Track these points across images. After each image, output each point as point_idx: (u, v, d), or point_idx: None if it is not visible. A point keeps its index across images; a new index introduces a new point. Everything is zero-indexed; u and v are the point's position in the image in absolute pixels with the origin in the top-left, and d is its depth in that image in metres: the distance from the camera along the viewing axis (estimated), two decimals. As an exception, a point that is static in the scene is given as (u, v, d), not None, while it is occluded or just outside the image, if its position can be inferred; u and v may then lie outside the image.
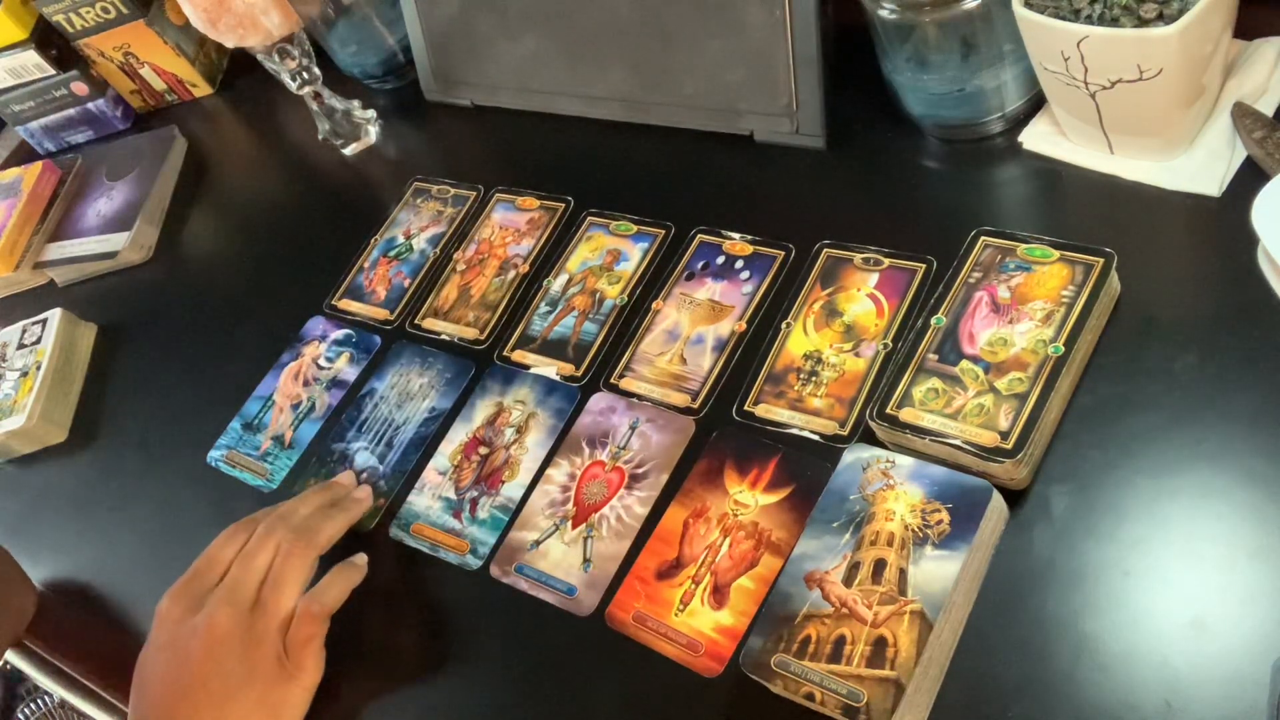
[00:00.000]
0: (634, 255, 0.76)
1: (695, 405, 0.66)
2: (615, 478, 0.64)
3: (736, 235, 0.73)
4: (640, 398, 0.67)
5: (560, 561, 0.62)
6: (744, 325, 0.68)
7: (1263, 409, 0.52)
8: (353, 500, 0.68)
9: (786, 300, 0.68)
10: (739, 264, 0.71)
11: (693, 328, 0.70)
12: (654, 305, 0.72)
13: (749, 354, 0.67)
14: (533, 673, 0.60)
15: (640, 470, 0.64)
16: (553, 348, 0.73)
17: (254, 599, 0.59)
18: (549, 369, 0.72)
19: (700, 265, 0.72)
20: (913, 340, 0.59)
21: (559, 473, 0.66)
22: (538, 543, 0.64)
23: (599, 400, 0.68)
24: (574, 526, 0.63)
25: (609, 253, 0.77)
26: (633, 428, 0.66)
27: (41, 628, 0.74)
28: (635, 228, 0.77)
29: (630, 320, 0.72)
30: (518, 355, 0.74)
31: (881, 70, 0.69)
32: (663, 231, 0.76)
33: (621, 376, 0.69)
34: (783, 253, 0.71)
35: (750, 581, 0.57)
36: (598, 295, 0.74)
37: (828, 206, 0.72)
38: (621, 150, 0.84)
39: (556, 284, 0.76)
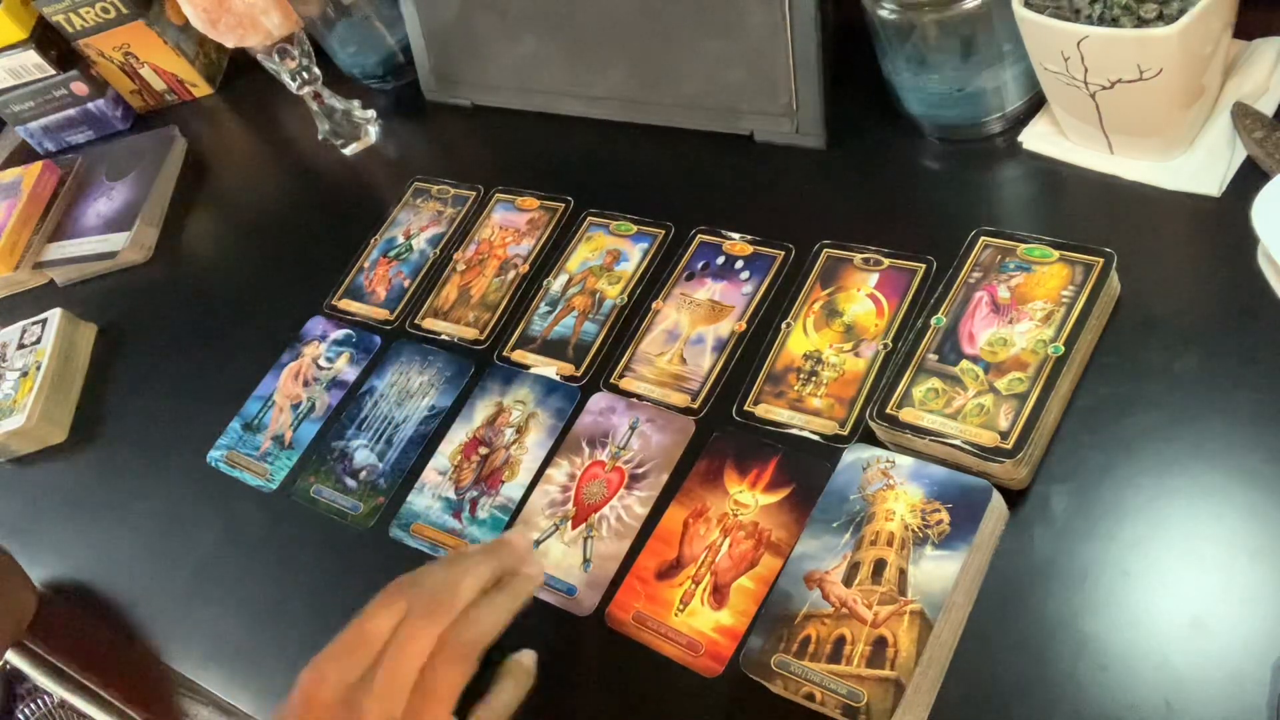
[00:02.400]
0: (634, 255, 0.76)
1: (695, 405, 0.66)
2: (615, 478, 0.64)
3: (736, 235, 0.73)
4: (640, 398, 0.67)
5: (560, 561, 0.62)
6: (744, 325, 0.68)
7: (1263, 409, 0.52)
8: (523, 579, 0.57)
9: (786, 300, 0.68)
10: (739, 264, 0.71)
11: (693, 328, 0.70)
12: (654, 305, 0.72)
13: (749, 354, 0.67)
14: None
15: (640, 470, 0.64)
16: (553, 348, 0.73)
17: (405, 703, 0.51)
18: (549, 369, 0.72)
19: (700, 265, 0.72)
20: (913, 340, 0.59)
21: (559, 473, 0.66)
22: (538, 543, 0.64)
23: (599, 400, 0.68)
24: (574, 526, 0.63)
25: (609, 253, 0.77)
26: (633, 428, 0.66)
27: (41, 628, 0.74)
28: (635, 228, 0.77)
29: (630, 320, 0.72)
30: (518, 355, 0.74)
31: (881, 70, 0.69)
32: (662, 232, 0.76)
33: (622, 376, 0.69)
34: (783, 253, 0.71)
35: (750, 581, 0.57)
36: (598, 295, 0.74)
37: (828, 206, 0.72)
38: (621, 150, 0.84)
39: (556, 284, 0.76)
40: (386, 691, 0.51)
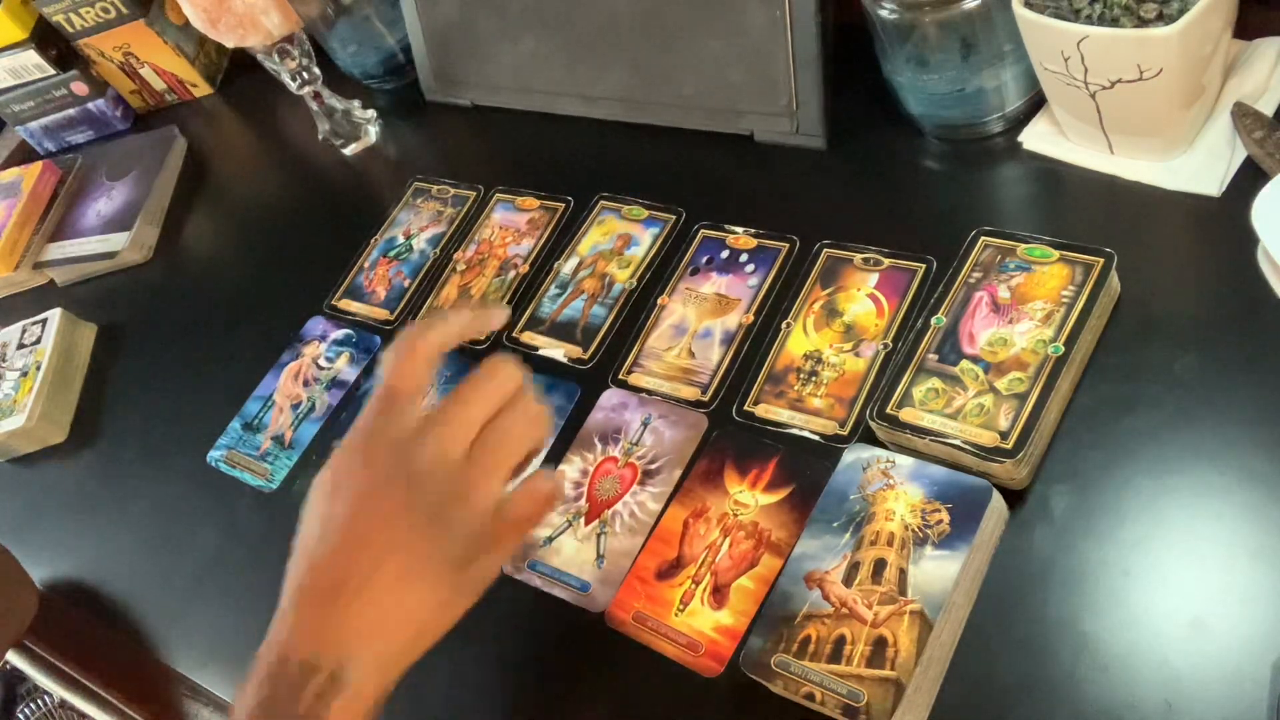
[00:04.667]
0: (644, 240, 0.76)
1: (706, 399, 0.66)
2: (628, 474, 0.64)
3: (740, 229, 0.73)
4: (650, 393, 0.67)
5: (574, 558, 0.62)
6: (751, 317, 0.68)
7: (1263, 409, 0.52)
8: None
9: (788, 300, 0.68)
10: (743, 257, 0.71)
11: (699, 321, 0.70)
12: (660, 301, 0.72)
13: (754, 350, 0.67)
14: (532, 672, 0.60)
15: (653, 466, 0.64)
16: (561, 330, 0.73)
17: (467, 442, 0.47)
18: (556, 351, 0.72)
19: (705, 260, 0.73)
20: (913, 340, 0.59)
21: (571, 469, 0.66)
22: (550, 539, 0.64)
23: (611, 396, 0.68)
24: (587, 523, 0.63)
25: (620, 237, 0.77)
26: (645, 424, 0.66)
27: (41, 628, 0.74)
28: (646, 213, 0.77)
29: (639, 306, 0.72)
30: (526, 337, 0.74)
31: (881, 70, 0.69)
32: (673, 217, 0.76)
33: (630, 372, 0.69)
34: (787, 245, 0.71)
35: (750, 581, 0.57)
36: (607, 279, 0.75)
37: (828, 206, 0.72)
38: (621, 150, 0.84)
39: (567, 267, 0.77)
40: (457, 422, 0.47)
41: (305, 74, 0.90)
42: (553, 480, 0.49)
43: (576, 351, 0.71)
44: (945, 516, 0.52)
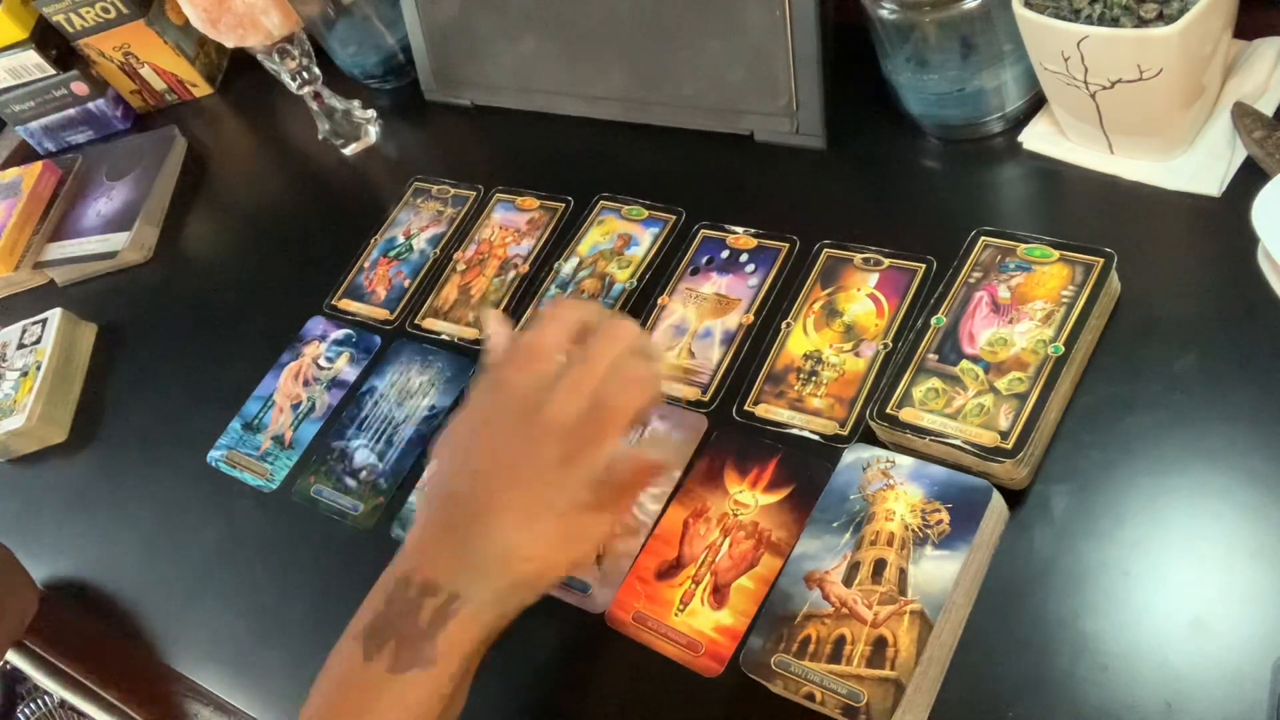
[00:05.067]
0: (644, 240, 0.76)
1: (706, 399, 0.66)
2: None
3: (740, 229, 0.73)
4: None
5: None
6: (751, 318, 0.68)
7: (1263, 409, 0.52)
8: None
9: (787, 300, 0.68)
10: (743, 257, 0.71)
11: (699, 321, 0.70)
12: (660, 301, 0.72)
13: (754, 350, 0.67)
14: (532, 672, 0.60)
15: None
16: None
17: (585, 401, 0.49)
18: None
19: (705, 260, 0.73)
20: (913, 340, 0.59)
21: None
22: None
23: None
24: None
25: (620, 237, 0.77)
26: (645, 424, 0.66)
27: (41, 628, 0.74)
28: (646, 213, 0.77)
29: (639, 306, 0.72)
30: None
31: (881, 70, 0.69)
32: (673, 217, 0.76)
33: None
34: (787, 245, 0.71)
35: (750, 581, 0.57)
36: (607, 279, 0.75)
37: (828, 206, 0.72)
38: (621, 150, 0.84)
39: (567, 267, 0.77)
40: (574, 386, 0.49)
41: (305, 74, 0.90)
42: (660, 453, 0.52)
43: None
44: (945, 516, 0.53)
